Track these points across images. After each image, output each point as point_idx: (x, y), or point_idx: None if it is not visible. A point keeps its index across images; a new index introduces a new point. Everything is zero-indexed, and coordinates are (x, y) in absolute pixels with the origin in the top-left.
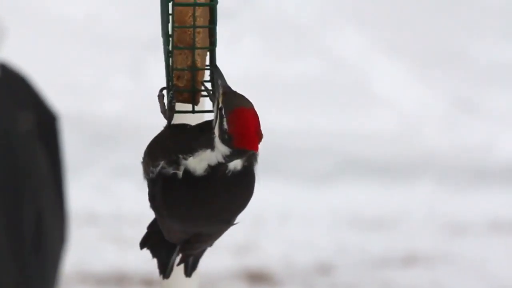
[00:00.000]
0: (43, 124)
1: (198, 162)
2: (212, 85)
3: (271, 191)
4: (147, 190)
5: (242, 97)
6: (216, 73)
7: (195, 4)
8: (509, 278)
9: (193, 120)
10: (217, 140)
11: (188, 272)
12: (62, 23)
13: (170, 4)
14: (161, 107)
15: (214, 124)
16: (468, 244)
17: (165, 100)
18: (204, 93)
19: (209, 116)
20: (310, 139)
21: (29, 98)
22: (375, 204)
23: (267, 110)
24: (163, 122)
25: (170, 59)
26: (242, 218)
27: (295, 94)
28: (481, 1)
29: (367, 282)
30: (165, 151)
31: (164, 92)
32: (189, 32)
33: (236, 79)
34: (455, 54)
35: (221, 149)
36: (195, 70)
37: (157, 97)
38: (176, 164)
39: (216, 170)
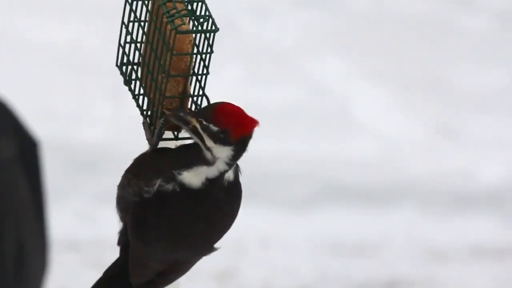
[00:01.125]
0: (24, 150)
1: (195, 176)
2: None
3: (252, 217)
4: (120, 221)
5: (209, 104)
6: (173, 114)
7: (197, 32)
8: None
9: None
10: (216, 151)
11: None
12: (43, 49)
13: (170, 33)
14: (146, 135)
15: (202, 147)
16: (449, 270)
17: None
18: None
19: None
20: (290, 165)
21: (10, 124)
22: (357, 230)
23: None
24: (144, 148)
25: (163, 86)
26: (223, 243)
27: (275, 120)
28: (462, 27)
29: None
30: (159, 169)
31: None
32: (185, 60)
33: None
34: (436, 80)
35: (223, 155)
36: (185, 97)
37: (142, 125)
38: (173, 180)
39: (214, 182)
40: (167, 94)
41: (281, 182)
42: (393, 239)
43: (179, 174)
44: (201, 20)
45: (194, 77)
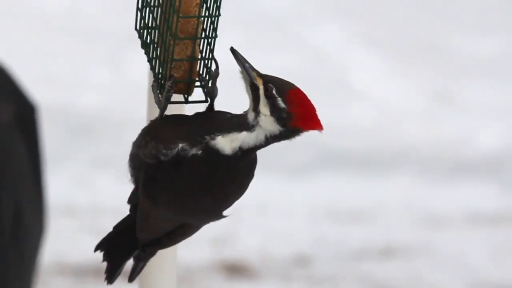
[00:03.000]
0: (22, 115)
1: (229, 142)
2: (207, 75)
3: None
4: (132, 179)
5: (285, 80)
6: (238, 56)
7: None
8: (487, 270)
9: (183, 111)
10: (264, 119)
11: (133, 277)
12: (42, 15)
13: None
14: (155, 97)
15: (251, 106)
16: (446, 236)
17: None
18: (196, 83)
19: (200, 107)
20: None
21: (8, 89)
22: (354, 197)
23: (246, 103)
24: (143, 113)
25: (171, 48)
26: (229, 211)
27: None
28: None
29: (345, 274)
30: (185, 132)
31: (155, 83)
32: (192, 22)
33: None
34: (435, 47)
35: (269, 128)
36: (194, 60)
37: (151, 87)
38: (200, 144)
39: (245, 153)
40: (176, 57)
41: (278, 149)
42: (390, 206)
43: (212, 138)
44: None
45: (203, 40)
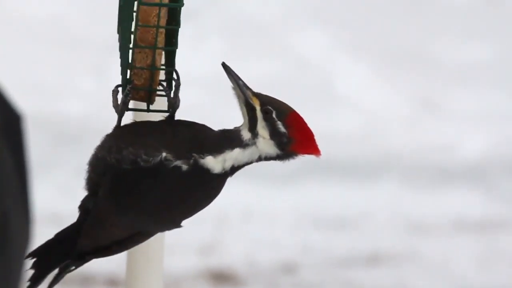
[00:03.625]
0: (7, 124)
1: (221, 162)
2: (169, 86)
3: (234, 191)
4: (87, 185)
5: (280, 100)
6: (231, 73)
7: (161, 5)
8: (472, 277)
9: (146, 119)
10: (262, 142)
11: (52, 284)
12: (25, 23)
13: (136, 3)
14: (113, 101)
15: (248, 125)
16: (431, 243)
17: (119, 96)
18: (160, 92)
19: (159, 116)
20: None
21: None
22: (339, 204)
23: (230, 110)
24: (127, 122)
25: (130, 56)
26: (206, 217)
27: None
28: (444, 2)
29: (331, 281)
30: (168, 143)
31: (120, 88)
32: (151, 32)
33: (199, 80)
34: (419, 54)
35: (266, 150)
36: (154, 70)
37: (111, 92)
38: (188, 160)
39: (235, 169)
40: (137, 65)
41: None
42: (376, 213)
43: (202, 158)
44: None
45: (165, 51)
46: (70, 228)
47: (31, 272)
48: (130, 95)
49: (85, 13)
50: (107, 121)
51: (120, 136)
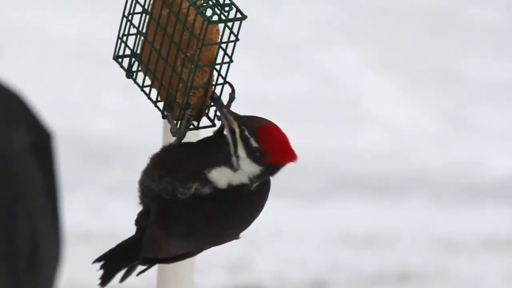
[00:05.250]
0: (37, 142)
1: (219, 177)
2: (218, 99)
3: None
4: (141, 203)
5: (257, 117)
6: (216, 103)
7: (228, 20)
8: None
9: (198, 137)
10: (243, 162)
11: (123, 279)
12: (55, 41)
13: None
14: (173, 127)
15: (232, 150)
16: (461, 261)
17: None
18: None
19: (206, 132)
20: (302, 157)
21: (23, 115)
22: (368, 222)
23: None
24: (157, 139)
25: (190, 76)
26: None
27: (287, 112)
28: (473, 18)
29: None
30: (191, 169)
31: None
32: (212, 49)
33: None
34: (447, 72)
35: (249, 169)
36: (210, 87)
37: (165, 118)
38: (208, 182)
39: (238, 188)
40: (195, 84)
41: (293, 174)
42: (405, 231)
43: (208, 172)
44: (227, 8)
45: (218, 66)
46: (133, 239)
47: (100, 272)
48: (192, 118)
49: (112, 31)
50: (137, 139)
51: (160, 164)
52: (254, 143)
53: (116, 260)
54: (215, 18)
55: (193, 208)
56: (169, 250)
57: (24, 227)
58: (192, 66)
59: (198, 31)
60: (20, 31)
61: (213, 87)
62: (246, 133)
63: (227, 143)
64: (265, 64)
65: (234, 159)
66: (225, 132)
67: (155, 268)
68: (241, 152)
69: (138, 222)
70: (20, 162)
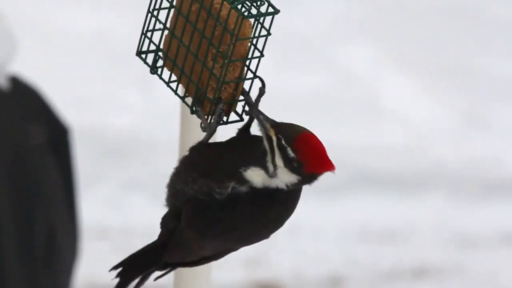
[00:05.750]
0: (55, 137)
1: (255, 176)
2: (247, 93)
3: None
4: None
5: (294, 125)
6: (253, 109)
7: (262, 15)
8: None
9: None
10: (280, 172)
11: (138, 285)
12: (73, 37)
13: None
14: (203, 122)
15: (269, 158)
16: (479, 256)
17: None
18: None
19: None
20: None
21: (41, 111)
22: (385, 217)
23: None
24: (175, 135)
25: (222, 72)
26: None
27: (305, 108)
28: (491, 15)
29: None
30: (226, 169)
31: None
32: (245, 44)
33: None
34: (465, 68)
35: (287, 179)
36: (241, 82)
37: (195, 113)
38: (245, 181)
39: (275, 189)
40: (228, 79)
41: None
42: (422, 226)
43: (245, 171)
44: (259, 3)
45: (249, 61)
46: (153, 245)
47: (116, 280)
48: (223, 114)
49: (131, 27)
50: (153, 134)
51: (193, 166)
52: (291, 153)
53: (133, 267)
54: (249, 12)
55: (231, 207)
56: (199, 253)
57: (42, 223)
58: (226, 61)
59: (232, 26)
60: (39, 26)
61: (243, 82)
62: (283, 142)
63: (261, 142)
64: (282, 60)
65: (271, 167)
66: (263, 141)
67: None
68: (279, 161)
69: (164, 225)
70: (38, 157)
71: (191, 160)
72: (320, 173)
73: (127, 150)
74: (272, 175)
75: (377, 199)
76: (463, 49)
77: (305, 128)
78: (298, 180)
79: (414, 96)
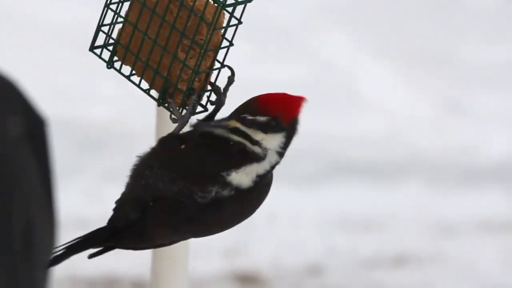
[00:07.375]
0: (31, 129)
1: (245, 176)
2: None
3: None
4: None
5: (245, 100)
6: (201, 126)
7: (238, 3)
8: (500, 277)
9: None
10: (266, 141)
11: (92, 255)
12: (49, 27)
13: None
14: (176, 114)
15: (248, 145)
16: (458, 244)
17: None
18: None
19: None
20: (298, 141)
21: (18, 103)
22: (364, 206)
23: None
24: (152, 125)
25: (198, 62)
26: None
27: None
28: (468, 2)
29: (357, 283)
30: (207, 173)
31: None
32: (218, 34)
33: (224, 84)
34: (442, 56)
35: (274, 143)
36: (211, 71)
37: (167, 105)
38: (227, 185)
39: (263, 176)
40: (201, 69)
41: (288, 158)
42: (401, 214)
43: (228, 175)
44: None
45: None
46: (102, 229)
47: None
48: (197, 104)
49: (109, 18)
50: (131, 125)
51: (170, 165)
52: (262, 118)
53: (76, 247)
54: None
55: (213, 210)
56: (161, 244)
57: (19, 216)
58: (202, 51)
59: (208, 16)
60: (15, 17)
61: (212, 72)
62: (250, 117)
63: (236, 143)
64: (260, 49)
65: (255, 148)
66: (229, 138)
67: (149, 254)
68: (257, 135)
69: (122, 213)
70: (14, 149)
71: (169, 159)
72: (297, 113)
73: (104, 141)
74: (263, 155)
75: (356, 187)
76: (441, 37)
77: (259, 94)
78: (285, 136)
79: (392, 85)
